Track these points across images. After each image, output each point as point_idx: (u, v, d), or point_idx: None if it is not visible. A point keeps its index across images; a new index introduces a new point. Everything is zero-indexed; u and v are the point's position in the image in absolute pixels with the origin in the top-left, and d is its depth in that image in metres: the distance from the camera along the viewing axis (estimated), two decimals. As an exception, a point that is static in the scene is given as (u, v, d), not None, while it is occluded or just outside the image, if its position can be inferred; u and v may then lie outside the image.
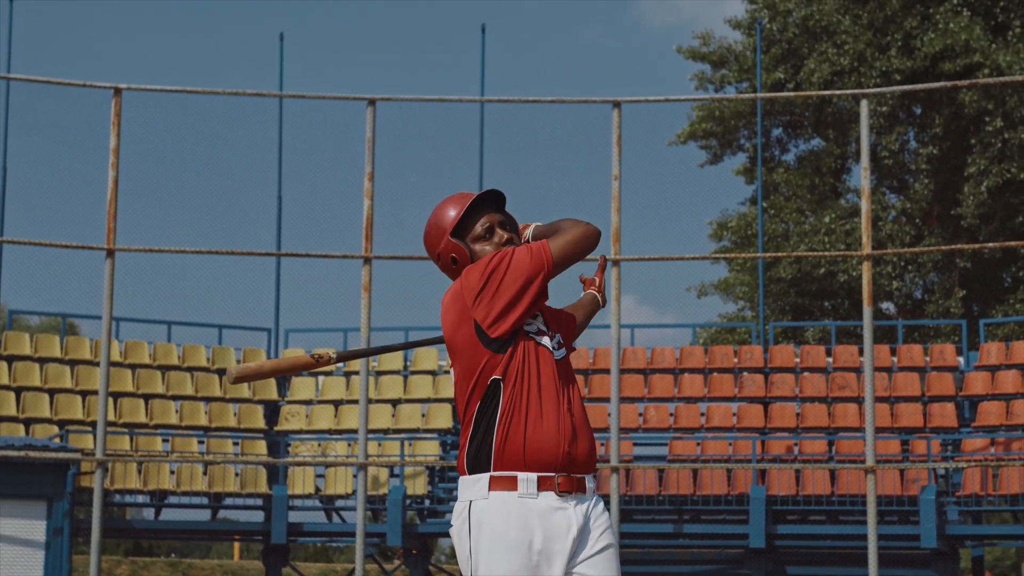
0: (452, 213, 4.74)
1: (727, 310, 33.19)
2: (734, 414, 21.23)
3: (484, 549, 4.43)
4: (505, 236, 4.72)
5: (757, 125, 27.57)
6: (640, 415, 21.49)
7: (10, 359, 21.48)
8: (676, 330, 31.95)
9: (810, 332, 30.09)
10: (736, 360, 22.08)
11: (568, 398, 4.59)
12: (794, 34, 31.62)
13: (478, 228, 4.73)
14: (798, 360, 21.96)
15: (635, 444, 20.74)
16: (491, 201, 4.80)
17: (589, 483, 4.57)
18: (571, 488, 4.49)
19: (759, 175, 24.89)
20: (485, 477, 4.46)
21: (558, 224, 4.67)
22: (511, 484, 4.44)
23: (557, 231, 4.64)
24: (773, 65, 31.63)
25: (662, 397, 21.78)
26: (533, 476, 4.44)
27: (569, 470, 4.48)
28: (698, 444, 20.62)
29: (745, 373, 21.79)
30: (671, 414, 21.50)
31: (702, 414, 21.40)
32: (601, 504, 4.63)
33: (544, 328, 4.71)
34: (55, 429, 20.42)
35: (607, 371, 21.13)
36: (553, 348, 4.66)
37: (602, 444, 20.14)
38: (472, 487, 4.50)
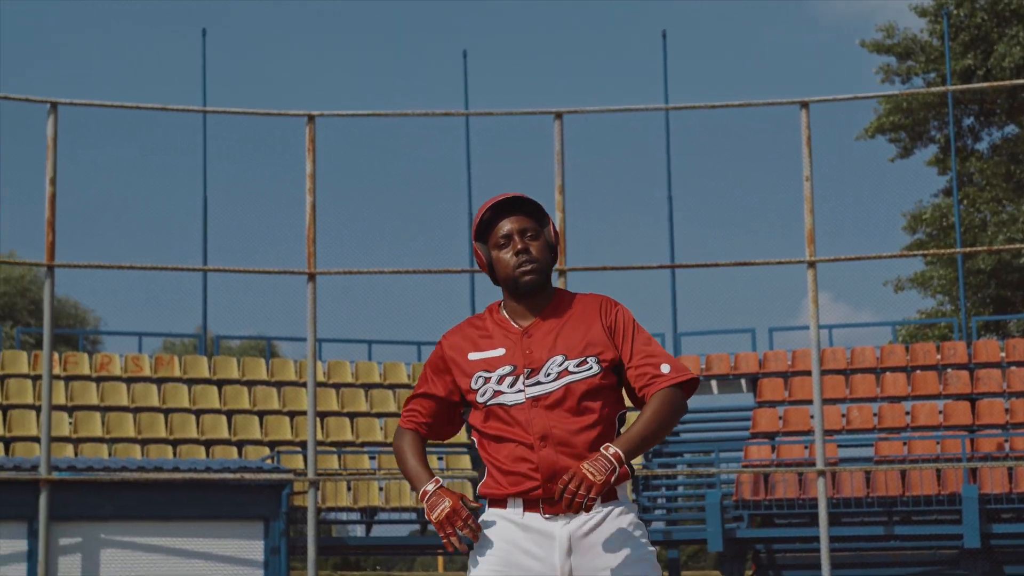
0: (476, 219, 4.68)
1: (925, 305, 32.57)
2: (940, 412, 20.84)
3: (475, 555, 4.57)
4: (520, 245, 4.58)
5: (948, 116, 27.04)
6: (843, 416, 21.22)
7: (220, 383, 22.09)
8: (874, 327, 31.40)
9: (1013, 324, 29.36)
10: (939, 357, 21.68)
11: (547, 435, 4.49)
12: (982, 19, 30.91)
13: (498, 236, 4.63)
14: (1004, 354, 21.46)
15: (839, 446, 20.48)
16: (524, 206, 4.65)
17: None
18: (559, 511, 4.47)
19: (953, 166, 24.39)
20: (486, 500, 4.61)
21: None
22: (502, 504, 4.54)
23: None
24: (962, 52, 30.97)
25: (865, 397, 21.49)
26: (520, 500, 4.51)
27: (555, 498, 4.46)
28: (904, 444, 20.28)
29: (949, 370, 21.38)
30: (875, 414, 21.20)
31: (907, 413, 21.05)
32: (615, 512, 4.50)
33: (513, 373, 4.57)
34: (266, 450, 20.94)
35: (807, 373, 20.91)
36: (525, 389, 4.53)
37: (806, 447, 19.97)
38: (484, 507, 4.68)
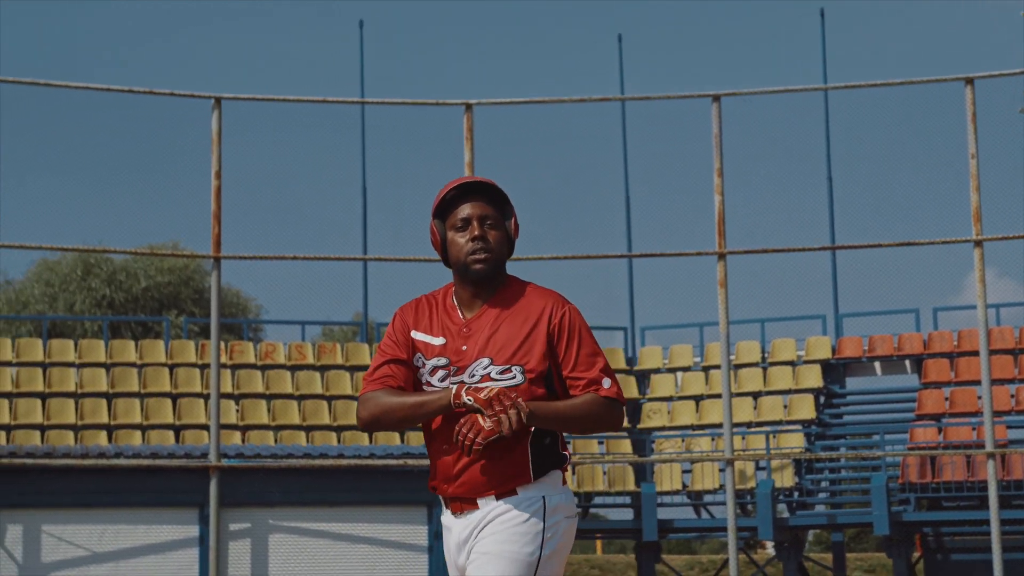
0: (438, 196, 4.63)
1: (1095, 281, 31.73)
2: (1114, 391, 20.30)
3: None
4: (477, 232, 4.53)
5: (1118, 86, 26.29)
6: (1012, 397, 20.78)
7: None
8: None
9: None
10: (1112, 335, 21.12)
11: (452, 437, 4.48)
12: None
13: (457, 217, 4.59)
14: None
15: (1008, 427, 20.06)
16: (490, 193, 4.61)
17: (483, 500, 4.49)
18: (461, 509, 4.56)
19: (1124, 139, 23.66)
20: None
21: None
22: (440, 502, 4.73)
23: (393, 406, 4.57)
24: None
25: (1034, 377, 21.02)
26: (443, 499, 4.64)
27: (457, 498, 4.56)
28: (1077, 425, 19.81)
29: (1123, 348, 20.82)
30: (1045, 394, 20.72)
31: (1079, 393, 20.55)
32: (499, 510, 4.50)
33: (445, 367, 4.57)
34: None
35: (974, 353, 20.53)
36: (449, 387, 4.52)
37: (973, 429, 19.61)
38: None
